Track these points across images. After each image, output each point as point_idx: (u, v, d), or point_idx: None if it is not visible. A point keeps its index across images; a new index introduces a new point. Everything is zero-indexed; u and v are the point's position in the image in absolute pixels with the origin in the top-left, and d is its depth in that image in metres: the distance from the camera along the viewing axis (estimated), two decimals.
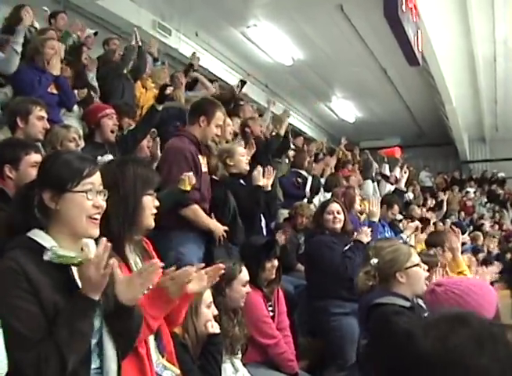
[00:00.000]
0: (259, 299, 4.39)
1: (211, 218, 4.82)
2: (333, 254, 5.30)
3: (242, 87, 9.37)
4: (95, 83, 7.47)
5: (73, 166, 2.26)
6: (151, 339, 2.67)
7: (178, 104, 7.12)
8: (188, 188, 4.34)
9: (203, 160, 4.76)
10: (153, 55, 9.20)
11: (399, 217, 9.24)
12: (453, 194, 17.09)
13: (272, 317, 4.53)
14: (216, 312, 3.42)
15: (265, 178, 5.50)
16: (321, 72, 14.96)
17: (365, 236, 5.42)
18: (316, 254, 5.47)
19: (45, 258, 2.12)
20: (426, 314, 3.59)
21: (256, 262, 4.26)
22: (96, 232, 2.29)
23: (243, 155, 5.53)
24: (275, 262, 4.55)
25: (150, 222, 2.74)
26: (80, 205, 2.24)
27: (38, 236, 2.20)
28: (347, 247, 5.34)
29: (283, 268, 6.18)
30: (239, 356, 3.85)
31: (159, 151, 5.62)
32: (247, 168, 5.51)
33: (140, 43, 8.30)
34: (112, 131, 5.42)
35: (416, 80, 14.67)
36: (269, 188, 5.57)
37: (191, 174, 4.36)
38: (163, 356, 2.74)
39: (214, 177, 5.17)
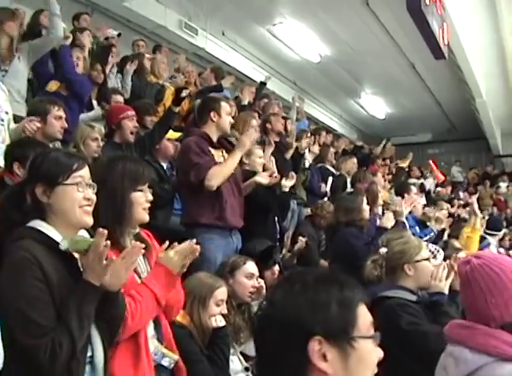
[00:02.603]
0: None
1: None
2: (360, 243, 5.25)
3: (261, 89, 9.43)
4: (128, 82, 7.59)
5: (63, 161, 2.35)
6: (150, 329, 2.73)
7: None
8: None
9: (216, 153, 4.80)
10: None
11: (430, 211, 9.16)
12: (485, 189, 16.87)
13: None
14: (225, 311, 3.45)
15: (288, 181, 5.54)
16: (349, 68, 14.89)
17: (388, 221, 5.40)
18: (345, 248, 5.36)
19: (62, 247, 2.22)
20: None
21: None
22: (90, 220, 2.37)
23: (259, 157, 5.60)
24: (275, 269, 4.49)
25: (142, 216, 2.77)
26: (71, 197, 2.32)
27: (42, 226, 2.28)
28: (370, 238, 5.33)
29: (305, 265, 6.25)
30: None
31: None
32: (261, 169, 5.52)
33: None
34: (132, 133, 5.52)
35: (445, 74, 14.49)
36: (287, 189, 5.56)
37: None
38: (162, 344, 2.80)
39: None
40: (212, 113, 4.86)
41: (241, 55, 13.55)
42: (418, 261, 3.59)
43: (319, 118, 17.30)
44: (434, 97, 17.08)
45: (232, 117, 5.28)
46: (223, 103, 4.95)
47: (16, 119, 4.79)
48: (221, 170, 4.63)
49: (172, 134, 5.81)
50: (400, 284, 3.56)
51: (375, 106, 18.09)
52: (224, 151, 4.90)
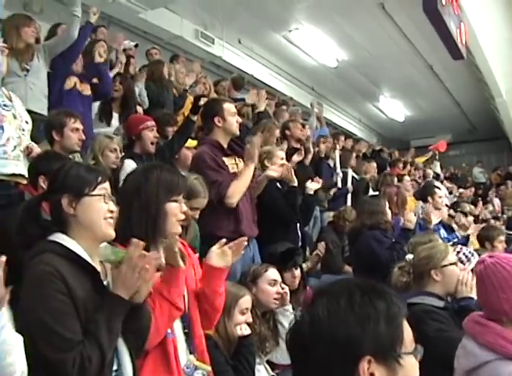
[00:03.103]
0: None
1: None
2: (382, 248, 5.19)
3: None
4: (144, 93, 7.59)
5: (88, 173, 2.34)
6: (181, 340, 2.66)
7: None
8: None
9: (229, 161, 4.70)
10: None
11: (452, 213, 9.13)
12: (507, 189, 16.70)
13: None
14: (250, 320, 3.40)
15: (313, 184, 5.48)
16: (366, 72, 14.86)
17: (410, 222, 5.34)
18: (365, 250, 5.32)
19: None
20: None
21: None
22: (113, 232, 2.34)
23: (282, 159, 5.38)
24: (297, 272, 4.40)
25: (176, 228, 2.67)
26: (98, 208, 2.31)
27: (63, 239, 2.25)
28: (394, 240, 5.29)
29: (329, 271, 6.22)
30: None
31: None
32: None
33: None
34: (152, 143, 5.49)
35: (464, 74, 14.41)
36: (312, 192, 5.49)
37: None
38: (194, 356, 2.72)
39: None
40: (216, 119, 4.70)
41: (258, 62, 13.57)
42: (445, 266, 3.54)
43: (338, 123, 17.26)
44: (453, 98, 16.98)
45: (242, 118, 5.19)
46: (225, 105, 4.75)
47: (39, 118, 4.86)
48: (238, 186, 4.54)
49: (191, 142, 5.79)
50: (428, 290, 3.51)
51: (394, 109, 18.04)
52: (236, 158, 4.79)
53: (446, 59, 11.42)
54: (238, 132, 4.83)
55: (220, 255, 2.84)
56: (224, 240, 2.89)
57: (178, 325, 2.65)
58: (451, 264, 3.57)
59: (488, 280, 2.57)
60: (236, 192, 4.50)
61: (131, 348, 2.30)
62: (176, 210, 2.66)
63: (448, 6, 8.70)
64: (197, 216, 4.07)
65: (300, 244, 5.54)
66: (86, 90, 6.19)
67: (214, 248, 2.86)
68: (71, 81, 6.05)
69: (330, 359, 1.35)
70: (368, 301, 1.38)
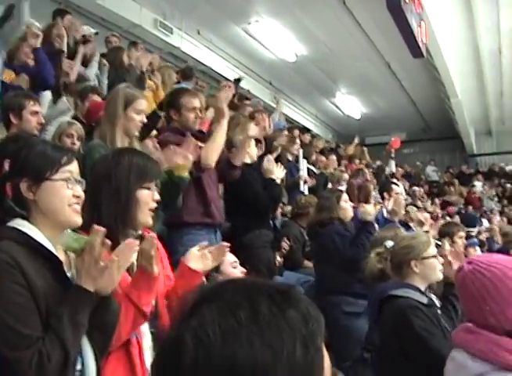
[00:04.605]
0: None
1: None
2: (345, 243, 5.15)
3: (237, 85, 9.32)
4: (105, 80, 7.42)
5: (50, 155, 2.14)
6: (146, 339, 2.48)
7: None
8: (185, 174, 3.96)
9: None
10: None
11: (414, 209, 9.18)
12: (456, 188, 17.03)
13: None
14: None
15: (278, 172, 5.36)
16: (325, 68, 14.83)
17: (368, 214, 5.24)
18: (329, 244, 5.26)
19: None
20: (439, 311, 3.50)
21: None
22: (79, 219, 2.16)
23: (256, 144, 5.36)
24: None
25: (146, 218, 2.52)
26: (60, 194, 2.11)
27: (24, 226, 2.07)
28: (355, 234, 5.22)
29: (289, 265, 6.17)
30: None
31: None
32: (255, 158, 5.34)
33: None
34: None
35: (421, 73, 14.55)
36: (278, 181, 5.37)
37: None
38: None
39: None
40: (172, 111, 4.59)
41: (216, 54, 13.41)
42: (425, 258, 3.45)
43: (294, 118, 17.21)
44: (410, 96, 17.14)
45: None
46: (183, 99, 4.56)
47: None
48: (212, 146, 4.38)
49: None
50: (408, 282, 3.43)
51: (350, 105, 18.08)
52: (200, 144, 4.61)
53: (404, 58, 11.51)
54: (195, 127, 4.63)
55: (199, 258, 2.70)
56: (205, 243, 2.78)
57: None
58: (432, 256, 3.49)
59: (467, 290, 2.28)
60: (210, 152, 4.36)
61: (95, 346, 2.11)
62: (148, 198, 2.51)
63: (410, 4, 8.73)
64: (145, 119, 3.88)
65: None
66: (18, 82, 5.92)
67: (194, 250, 2.73)
68: None
69: None
70: (280, 315, 0.92)
